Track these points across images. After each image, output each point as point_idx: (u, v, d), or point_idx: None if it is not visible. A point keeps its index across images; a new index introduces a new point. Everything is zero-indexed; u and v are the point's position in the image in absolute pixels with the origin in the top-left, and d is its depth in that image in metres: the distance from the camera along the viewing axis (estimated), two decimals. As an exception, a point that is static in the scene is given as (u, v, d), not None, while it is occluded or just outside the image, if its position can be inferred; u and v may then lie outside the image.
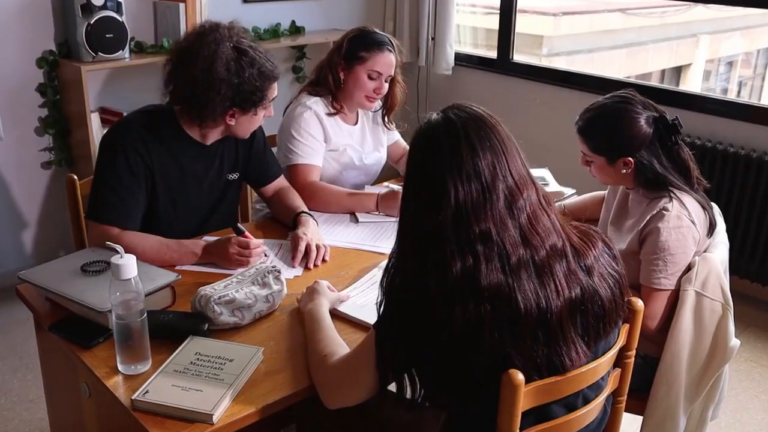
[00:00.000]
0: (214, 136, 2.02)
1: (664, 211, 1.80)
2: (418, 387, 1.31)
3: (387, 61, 2.37)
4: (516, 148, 1.28)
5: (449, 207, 1.21)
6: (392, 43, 2.39)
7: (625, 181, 1.94)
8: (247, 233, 1.91)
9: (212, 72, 1.85)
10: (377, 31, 2.41)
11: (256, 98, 1.93)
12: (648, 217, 1.83)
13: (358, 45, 2.36)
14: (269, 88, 1.96)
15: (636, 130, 1.84)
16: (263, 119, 2.04)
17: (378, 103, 2.51)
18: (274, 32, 3.86)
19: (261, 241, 1.94)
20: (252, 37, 2.08)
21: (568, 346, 1.24)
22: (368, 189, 2.45)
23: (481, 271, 1.19)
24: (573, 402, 1.33)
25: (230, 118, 1.95)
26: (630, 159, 1.86)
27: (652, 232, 1.81)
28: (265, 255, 1.94)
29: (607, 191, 2.14)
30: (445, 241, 1.21)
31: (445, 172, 1.22)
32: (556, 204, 2.29)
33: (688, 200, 1.84)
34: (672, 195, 1.83)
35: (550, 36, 5.76)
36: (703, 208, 1.87)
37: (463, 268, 1.20)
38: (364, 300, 1.74)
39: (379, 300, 1.32)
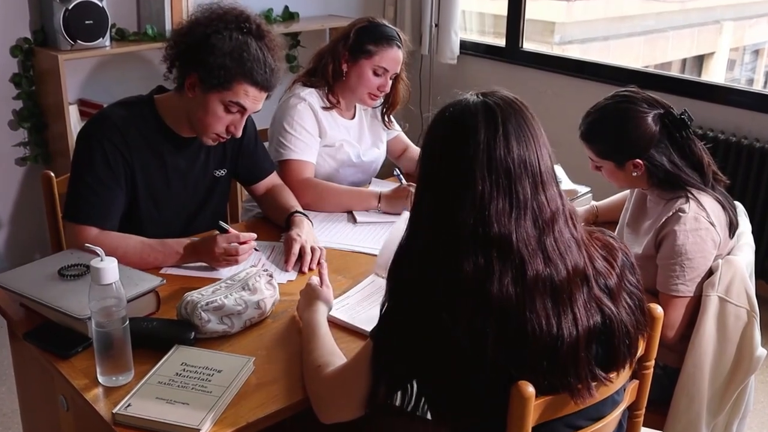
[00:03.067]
0: (182, 121, 1.97)
1: (680, 213, 1.80)
2: (416, 400, 1.31)
3: (395, 57, 2.37)
4: (546, 144, 1.27)
5: (473, 205, 1.20)
6: (401, 39, 2.39)
7: (639, 183, 1.94)
8: (231, 230, 1.90)
9: (198, 18, 1.86)
10: (387, 24, 2.41)
11: (218, 77, 1.82)
12: (663, 219, 1.83)
13: (366, 37, 2.35)
14: (238, 81, 1.84)
15: (642, 130, 1.84)
16: (227, 134, 1.92)
17: (379, 100, 2.51)
18: (266, 18, 3.85)
19: (252, 235, 1.91)
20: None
21: (580, 379, 1.23)
22: (372, 188, 2.45)
23: (492, 280, 1.19)
24: (591, 415, 1.33)
25: (190, 89, 1.88)
26: (639, 161, 1.86)
27: (668, 236, 1.81)
28: (256, 249, 1.92)
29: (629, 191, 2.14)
30: (462, 239, 1.20)
31: (476, 167, 1.21)
32: (589, 206, 2.31)
33: (707, 200, 1.84)
34: (689, 195, 1.83)
35: (563, 22, 5.76)
36: (724, 207, 1.87)
37: (475, 271, 1.19)
38: (362, 306, 1.74)
39: (381, 308, 1.32)
